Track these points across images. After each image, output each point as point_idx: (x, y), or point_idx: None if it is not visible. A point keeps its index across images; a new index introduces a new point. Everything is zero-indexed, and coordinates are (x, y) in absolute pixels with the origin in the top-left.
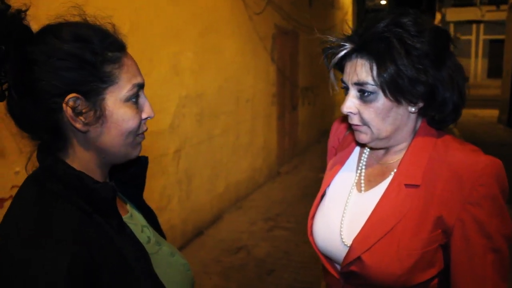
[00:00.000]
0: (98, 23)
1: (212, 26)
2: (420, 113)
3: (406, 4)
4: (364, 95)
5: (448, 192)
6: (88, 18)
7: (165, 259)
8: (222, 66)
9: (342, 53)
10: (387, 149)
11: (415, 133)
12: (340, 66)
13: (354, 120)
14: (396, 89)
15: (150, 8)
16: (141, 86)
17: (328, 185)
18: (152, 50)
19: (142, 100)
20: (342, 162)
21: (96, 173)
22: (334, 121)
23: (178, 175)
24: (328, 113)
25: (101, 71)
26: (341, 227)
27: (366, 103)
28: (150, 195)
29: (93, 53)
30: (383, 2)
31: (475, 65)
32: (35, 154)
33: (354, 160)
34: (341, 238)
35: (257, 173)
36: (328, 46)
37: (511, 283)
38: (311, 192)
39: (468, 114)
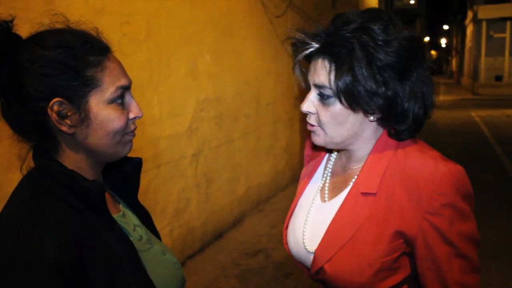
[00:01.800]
0: (82, 27)
1: (231, 30)
2: (379, 123)
3: (436, 3)
4: (323, 97)
5: (407, 202)
6: (71, 25)
7: (155, 257)
8: (241, 70)
9: (307, 52)
10: (349, 155)
11: (376, 140)
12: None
13: (311, 120)
14: (351, 98)
15: (166, 13)
16: (126, 88)
17: (301, 195)
18: (169, 54)
19: (128, 100)
20: (313, 171)
21: (88, 173)
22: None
23: (197, 178)
24: None
25: (83, 75)
26: (303, 236)
27: (324, 106)
28: (168, 197)
29: (75, 58)
30: (412, 2)
31: (510, 64)
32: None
33: (322, 168)
34: (305, 246)
35: (279, 176)
36: (295, 42)
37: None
38: None
39: (501, 114)
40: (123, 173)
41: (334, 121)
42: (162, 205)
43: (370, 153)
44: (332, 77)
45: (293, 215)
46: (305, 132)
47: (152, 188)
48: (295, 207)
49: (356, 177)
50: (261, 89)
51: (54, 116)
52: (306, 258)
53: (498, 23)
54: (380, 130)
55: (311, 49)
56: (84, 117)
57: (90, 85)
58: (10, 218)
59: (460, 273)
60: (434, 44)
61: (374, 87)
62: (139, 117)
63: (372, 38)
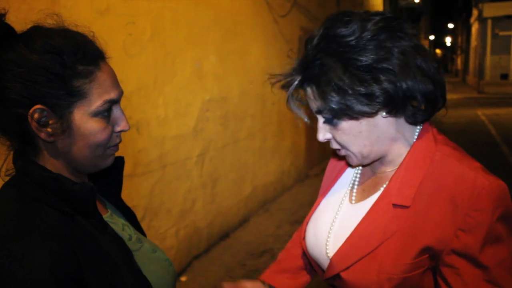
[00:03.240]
0: (78, 29)
1: (235, 30)
2: (393, 115)
3: (441, 1)
4: (328, 121)
5: (440, 216)
6: (66, 26)
7: (147, 256)
8: (246, 70)
9: (292, 87)
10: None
11: (413, 140)
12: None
13: (334, 145)
14: (348, 111)
15: (171, 13)
16: (114, 102)
17: (327, 192)
18: (174, 55)
19: (116, 113)
20: (342, 169)
21: (71, 178)
22: None
23: (203, 178)
24: None
25: (70, 85)
26: (327, 238)
27: (334, 128)
28: (174, 198)
29: (63, 66)
30: (417, 0)
31: None
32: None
33: (351, 171)
34: (326, 249)
35: (285, 176)
36: (278, 80)
37: None
38: None
39: (507, 112)
40: (105, 173)
41: (349, 137)
42: (168, 206)
43: (405, 159)
44: (321, 101)
45: (316, 212)
46: (311, 132)
47: (158, 189)
48: (319, 204)
49: (387, 182)
50: (266, 89)
51: (33, 123)
52: (323, 261)
53: (503, 21)
54: (401, 122)
55: (295, 83)
56: (66, 127)
57: (76, 96)
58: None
59: None
60: (439, 42)
61: (364, 89)
62: (126, 131)
63: (338, 43)
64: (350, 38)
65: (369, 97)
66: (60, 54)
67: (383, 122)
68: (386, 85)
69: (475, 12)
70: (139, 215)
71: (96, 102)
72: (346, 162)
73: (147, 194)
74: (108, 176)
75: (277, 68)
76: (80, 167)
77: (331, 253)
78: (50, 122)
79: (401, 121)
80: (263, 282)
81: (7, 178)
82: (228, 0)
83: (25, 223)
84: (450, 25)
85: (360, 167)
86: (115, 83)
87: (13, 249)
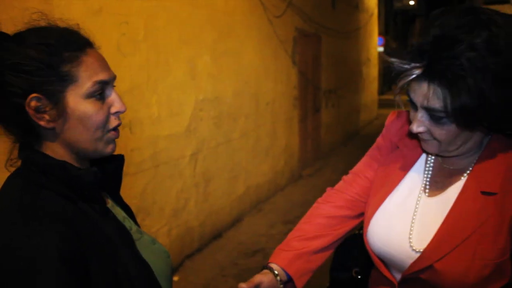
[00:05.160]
0: (63, 25)
1: (230, 30)
2: (493, 127)
3: (435, 3)
4: (435, 118)
5: None
6: (52, 23)
7: (147, 246)
8: (240, 70)
9: (410, 77)
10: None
11: (487, 141)
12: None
13: (424, 136)
14: (469, 120)
15: (165, 13)
16: (105, 83)
17: (394, 188)
18: (168, 55)
19: (110, 95)
20: (409, 164)
21: (75, 164)
22: (391, 114)
23: (195, 177)
24: (353, 115)
25: (59, 71)
26: (410, 233)
27: (438, 125)
28: (166, 197)
29: (50, 54)
30: (412, 3)
31: None
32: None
33: (422, 163)
34: (410, 244)
35: (278, 176)
36: (392, 66)
37: None
38: None
39: None
40: (106, 170)
41: (449, 136)
42: (160, 205)
43: (485, 150)
44: (448, 102)
45: (382, 209)
46: (304, 133)
47: (150, 188)
48: (385, 198)
49: (466, 174)
50: (260, 89)
51: (31, 111)
52: (403, 256)
53: None
54: (489, 132)
55: (414, 75)
56: (61, 111)
57: (66, 80)
58: (4, 218)
59: None
60: None
61: (491, 100)
62: (122, 112)
63: (481, 54)
64: (489, 49)
65: (494, 110)
66: (47, 45)
67: (480, 130)
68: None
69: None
70: None
71: (86, 83)
72: (400, 161)
73: (139, 193)
74: (108, 172)
75: (270, 68)
76: (82, 152)
77: (418, 246)
78: (47, 109)
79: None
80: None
81: (12, 169)
82: (222, 0)
83: (31, 208)
84: None
85: (431, 164)
86: (104, 66)
87: (21, 231)
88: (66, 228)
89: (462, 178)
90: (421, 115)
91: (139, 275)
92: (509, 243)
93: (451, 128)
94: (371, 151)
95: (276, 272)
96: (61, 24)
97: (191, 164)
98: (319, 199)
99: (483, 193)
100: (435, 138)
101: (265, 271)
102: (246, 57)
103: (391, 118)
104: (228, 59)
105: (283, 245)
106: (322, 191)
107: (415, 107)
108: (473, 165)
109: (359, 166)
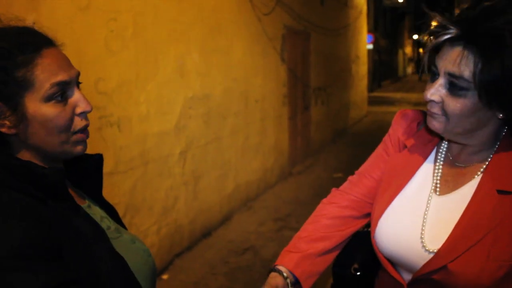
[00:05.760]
0: (18, 24)
1: (218, 28)
2: (507, 120)
3: (424, 1)
4: (455, 87)
5: None
6: (5, 22)
7: (125, 245)
8: (229, 67)
9: (445, 37)
10: (463, 148)
11: (501, 137)
12: (436, 46)
13: (434, 109)
14: (494, 95)
15: (153, 10)
16: (64, 83)
17: (403, 187)
18: (156, 52)
19: (72, 95)
20: (417, 163)
21: (43, 165)
22: (398, 113)
23: (185, 175)
24: (342, 112)
25: (14, 76)
26: (422, 233)
27: (454, 96)
28: (156, 195)
29: (3, 59)
30: (401, 0)
31: None
32: None
33: (431, 162)
34: (423, 244)
35: (268, 174)
36: (432, 25)
37: None
38: (324, 192)
39: None
40: (84, 170)
41: (462, 113)
42: (150, 203)
43: (498, 148)
44: (478, 70)
45: (391, 207)
46: (294, 130)
47: (140, 186)
48: (393, 198)
49: (479, 173)
50: (249, 86)
51: None
52: (415, 256)
53: None
54: (503, 127)
55: (450, 35)
56: (21, 117)
57: (22, 85)
58: None
59: None
60: (422, 42)
61: None
62: (88, 111)
63: None
64: None
65: None
66: (0, 49)
67: (493, 119)
68: None
69: (457, 12)
70: (120, 213)
71: (44, 86)
72: (406, 156)
73: (128, 192)
74: (87, 174)
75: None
76: (50, 154)
77: (431, 246)
78: (7, 114)
79: (503, 125)
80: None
81: None
82: None
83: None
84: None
85: (441, 162)
86: (64, 66)
87: None
88: (34, 223)
89: (476, 176)
90: (441, 82)
91: (113, 269)
92: None
93: (468, 102)
94: (378, 151)
95: (285, 274)
96: (17, 24)
97: (181, 162)
98: (324, 200)
99: (500, 192)
100: (445, 114)
101: (274, 274)
102: (235, 55)
103: (398, 117)
104: (217, 56)
105: (289, 246)
106: (312, 188)
107: (434, 77)
108: (487, 162)
109: (365, 166)
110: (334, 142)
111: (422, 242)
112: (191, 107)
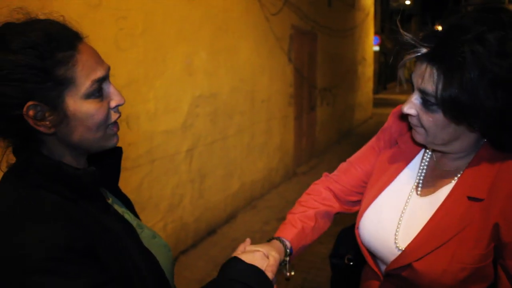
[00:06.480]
0: (46, 17)
1: (226, 27)
2: (484, 132)
3: (431, 3)
4: (426, 103)
5: (510, 208)
6: (34, 16)
7: (147, 241)
8: (236, 67)
9: (413, 55)
10: (446, 154)
11: (481, 144)
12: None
13: (413, 121)
14: (456, 112)
15: (163, 9)
16: (102, 79)
17: (389, 184)
18: (165, 51)
19: (107, 90)
20: (405, 161)
21: (73, 164)
22: (395, 109)
23: (191, 173)
24: (348, 114)
25: (53, 75)
26: (397, 230)
27: (427, 111)
28: (162, 193)
29: (42, 58)
30: (408, 2)
31: None
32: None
33: (417, 161)
34: (395, 241)
35: (273, 173)
36: (401, 42)
37: None
38: None
39: None
40: (104, 163)
41: (436, 126)
42: (156, 200)
43: (476, 154)
44: (439, 88)
45: (376, 204)
46: (299, 131)
47: (146, 183)
48: (377, 196)
49: (456, 178)
50: (256, 86)
51: (30, 120)
52: (388, 252)
53: None
54: (482, 138)
55: (418, 54)
56: (62, 116)
57: (63, 83)
58: (5, 221)
59: None
60: None
61: (482, 102)
62: (122, 104)
63: (487, 50)
64: (496, 49)
65: (481, 110)
66: (36, 48)
67: (469, 132)
68: (500, 106)
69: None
70: None
71: (84, 84)
72: (396, 157)
73: (135, 188)
74: (106, 165)
75: (266, 66)
76: (84, 149)
77: (401, 244)
78: (46, 115)
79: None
80: (281, 240)
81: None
82: None
83: (25, 210)
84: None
85: (426, 163)
86: (99, 61)
87: (16, 237)
88: (70, 225)
89: (453, 181)
90: (415, 97)
91: (146, 267)
92: (491, 250)
93: (439, 117)
94: (371, 143)
95: (287, 244)
96: (42, 17)
97: (187, 160)
98: (317, 181)
99: (470, 198)
100: (422, 126)
101: (275, 241)
102: (243, 54)
103: (394, 113)
104: (224, 56)
105: (287, 220)
106: None
107: (413, 89)
108: (464, 168)
109: (356, 156)
110: (339, 143)
111: (395, 239)
112: (198, 105)
